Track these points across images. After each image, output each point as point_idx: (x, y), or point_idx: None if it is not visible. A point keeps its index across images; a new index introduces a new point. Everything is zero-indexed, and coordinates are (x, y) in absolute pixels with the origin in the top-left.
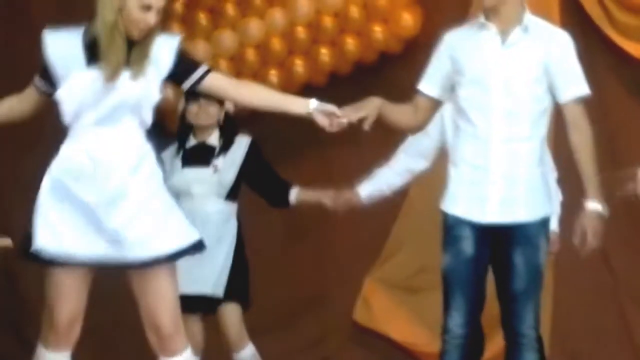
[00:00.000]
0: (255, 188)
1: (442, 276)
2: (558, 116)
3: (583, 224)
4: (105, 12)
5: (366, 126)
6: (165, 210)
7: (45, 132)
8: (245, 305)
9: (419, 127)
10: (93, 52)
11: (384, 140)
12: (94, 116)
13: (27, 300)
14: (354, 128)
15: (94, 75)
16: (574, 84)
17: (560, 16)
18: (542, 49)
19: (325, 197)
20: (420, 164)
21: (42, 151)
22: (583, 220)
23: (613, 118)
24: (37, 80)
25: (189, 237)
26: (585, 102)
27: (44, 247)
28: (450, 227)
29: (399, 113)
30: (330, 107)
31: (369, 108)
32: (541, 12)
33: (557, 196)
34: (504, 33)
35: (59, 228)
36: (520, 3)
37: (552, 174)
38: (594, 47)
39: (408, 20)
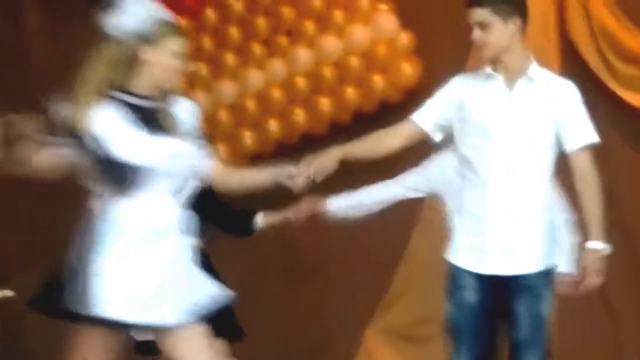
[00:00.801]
0: (213, 224)
1: (446, 325)
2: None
3: (583, 261)
4: (100, 65)
5: (317, 178)
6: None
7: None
8: (235, 338)
9: (387, 154)
10: (145, 120)
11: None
12: (167, 185)
13: (28, 353)
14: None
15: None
16: (582, 133)
17: (560, 66)
18: (548, 100)
19: (289, 212)
20: (411, 194)
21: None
22: (583, 258)
23: (612, 167)
24: (69, 141)
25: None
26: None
27: (108, 313)
28: (453, 276)
29: (361, 147)
30: (288, 170)
31: (321, 160)
32: (541, 61)
33: (569, 238)
34: (510, 83)
35: (125, 294)
36: (525, 54)
37: (564, 216)
38: (594, 97)
39: (407, 70)
